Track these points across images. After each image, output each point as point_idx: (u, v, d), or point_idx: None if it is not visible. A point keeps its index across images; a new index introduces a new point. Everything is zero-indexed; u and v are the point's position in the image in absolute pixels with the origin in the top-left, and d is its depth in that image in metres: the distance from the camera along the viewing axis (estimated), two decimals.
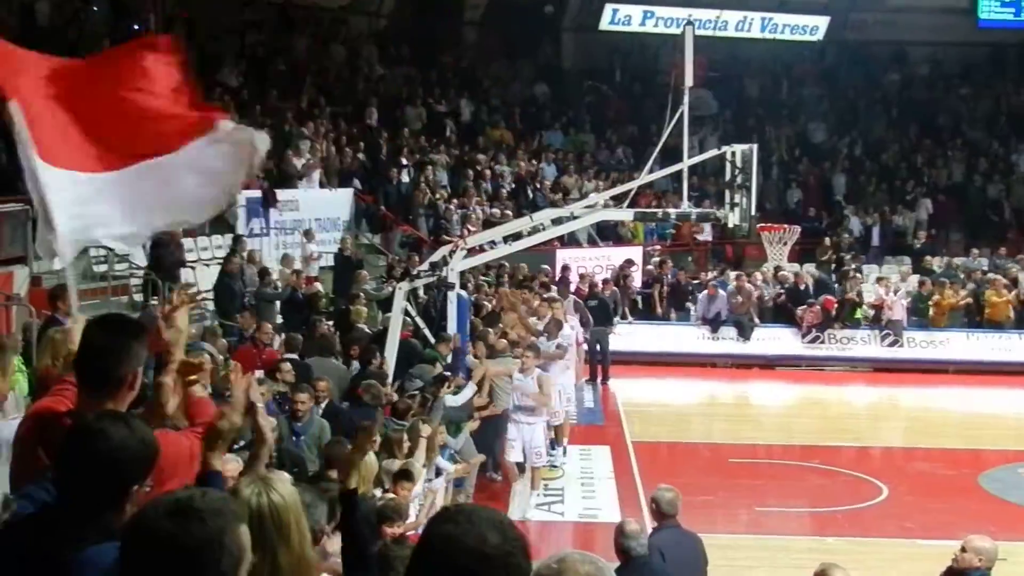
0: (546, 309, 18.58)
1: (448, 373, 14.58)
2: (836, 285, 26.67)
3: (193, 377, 4.68)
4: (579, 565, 3.01)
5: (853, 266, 28.40)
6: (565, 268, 26.01)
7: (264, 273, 20.61)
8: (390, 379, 14.36)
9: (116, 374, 4.33)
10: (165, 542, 2.66)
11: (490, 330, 17.55)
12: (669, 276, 26.95)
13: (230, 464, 7.71)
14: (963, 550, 8.13)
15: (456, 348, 16.50)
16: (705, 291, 25.90)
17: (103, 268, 19.50)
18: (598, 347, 23.12)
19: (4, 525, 3.66)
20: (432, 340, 17.00)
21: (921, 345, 25.45)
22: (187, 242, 21.83)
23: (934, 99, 38.20)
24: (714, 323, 25.59)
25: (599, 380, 23.08)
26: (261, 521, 3.45)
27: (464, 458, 13.00)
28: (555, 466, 16.51)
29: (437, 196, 27.69)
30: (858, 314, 25.94)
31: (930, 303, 25.87)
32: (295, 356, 14.47)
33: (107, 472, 3.43)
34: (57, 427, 4.06)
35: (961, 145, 36.06)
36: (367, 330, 17.47)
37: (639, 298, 26.40)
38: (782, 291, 26.00)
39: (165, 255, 19.18)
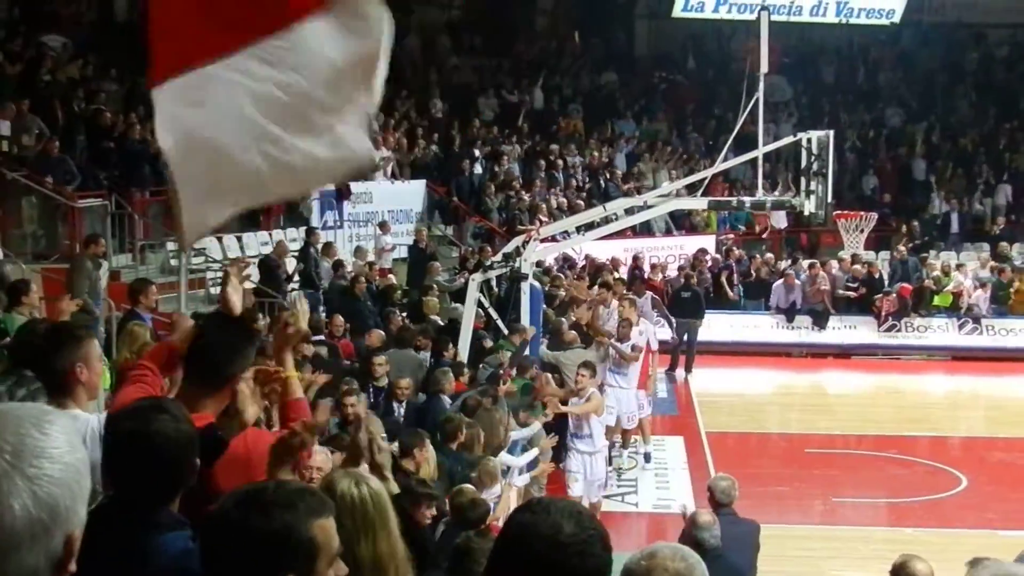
0: (628, 310, 17.00)
1: (501, 371, 14.57)
2: (915, 273, 26.29)
3: (271, 385, 4.68)
4: (668, 562, 3.02)
5: (931, 252, 28.07)
6: (636, 258, 25.91)
7: (339, 265, 20.77)
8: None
9: (225, 372, 4.38)
10: (231, 531, 2.71)
11: (563, 320, 17.57)
12: (736, 264, 26.71)
13: (318, 456, 7.84)
14: None
15: (526, 340, 16.49)
16: (782, 280, 25.65)
17: (177, 262, 19.76)
18: (686, 337, 22.95)
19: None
20: (505, 331, 17.03)
21: (1000, 333, 25.03)
22: (262, 235, 22.08)
23: (1014, 81, 37.47)
24: (790, 312, 25.36)
25: (681, 371, 22.95)
26: (364, 509, 3.55)
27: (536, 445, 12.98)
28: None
29: (511, 189, 27.69)
30: (937, 300, 25.57)
31: (1010, 290, 25.44)
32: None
33: (148, 467, 3.44)
34: None
35: None
36: (440, 322, 17.56)
37: (708, 288, 26.21)
38: (856, 285, 25.63)
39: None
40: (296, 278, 20.30)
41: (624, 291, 19.44)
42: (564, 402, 13.47)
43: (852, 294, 25.60)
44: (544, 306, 18.74)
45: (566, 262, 24.05)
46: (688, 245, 27.53)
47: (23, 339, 5.71)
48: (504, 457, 11.36)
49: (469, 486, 8.99)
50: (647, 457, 16.61)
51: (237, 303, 4.80)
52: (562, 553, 2.58)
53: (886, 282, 25.93)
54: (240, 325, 4.68)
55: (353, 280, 19.31)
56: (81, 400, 4.96)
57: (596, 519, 2.77)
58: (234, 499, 2.80)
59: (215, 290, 19.59)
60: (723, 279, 26.05)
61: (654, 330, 17.93)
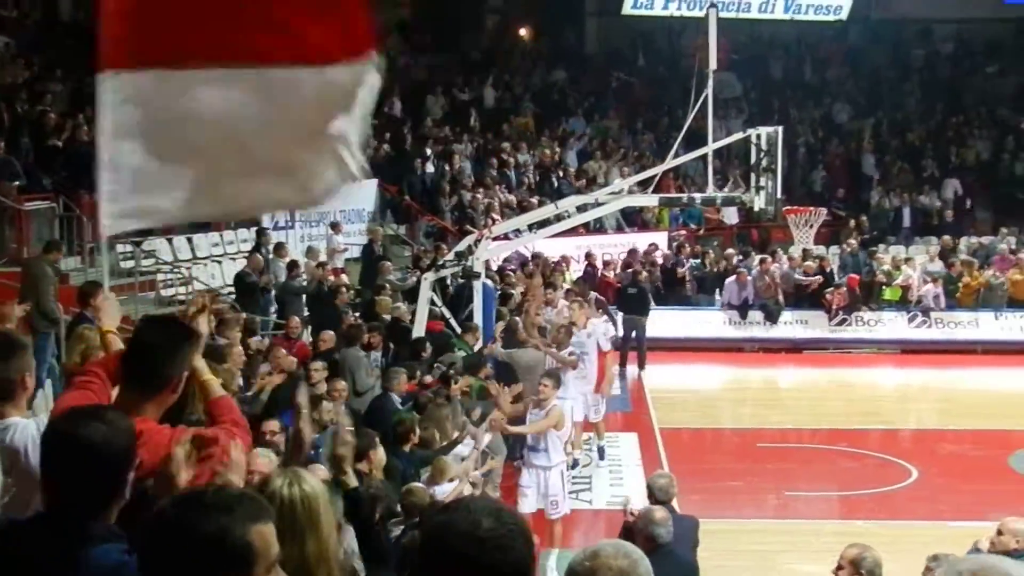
0: (578, 312, 16.60)
1: (451, 371, 14.56)
2: (864, 267, 26.52)
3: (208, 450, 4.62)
4: (612, 560, 3.02)
5: (880, 247, 28.35)
6: (588, 256, 25.96)
7: (293, 266, 20.66)
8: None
9: (163, 375, 4.34)
10: (167, 531, 2.69)
11: (518, 319, 17.55)
12: (688, 260, 26.85)
13: (260, 459, 7.80)
14: (1000, 533, 8.07)
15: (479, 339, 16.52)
16: (734, 277, 25.80)
17: (130, 264, 19.60)
18: (633, 335, 22.95)
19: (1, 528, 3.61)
20: (458, 330, 17.02)
21: (949, 325, 25.29)
22: (213, 236, 21.94)
23: (960, 77, 37.92)
24: (742, 309, 25.50)
25: (633, 367, 22.96)
26: (292, 510, 3.52)
27: (491, 451, 12.99)
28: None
29: (463, 188, 27.69)
30: (887, 294, 25.80)
31: (959, 283, 25.72)
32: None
33: (89, 472, 3.40)
34: None
35: (988, 123, 35.79)
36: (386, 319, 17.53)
37: (658, 285, 26.30)
38: (808, 281, 25.81)
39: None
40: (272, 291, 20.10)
41: (573, 293, 19.13)
42: (515, 421, 12.48)
43: (809, 280, 25.75)
44: (497, 304, 18.77)
45: (521, 263, 24.06)
46: (640, 242, 27.57)
47: None
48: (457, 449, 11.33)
49: (419, 484, 8.99)
50: (601, 452, 16.56)
51: (204, 330, 4.82)
52: (481, 549, 2.58)
53: (836, 276, 26.13)
54: (176, 326, 4.63)
55: (334, 290, 19.27)
56: (22, 407, 4.91)
57: (516, 514, 2.76)
58: (173, 501, 2.79)
59: (166, 292, 19.48)
60: (678, 274, 26.18)
61: (604, 330, 17.33)
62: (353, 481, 4.65)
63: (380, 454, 9.16)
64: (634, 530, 8.32)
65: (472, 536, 2.59)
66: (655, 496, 9.20)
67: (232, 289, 20.36)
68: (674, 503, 9.41)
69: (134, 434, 3.67)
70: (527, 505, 12.28)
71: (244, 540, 2.71)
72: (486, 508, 2.68)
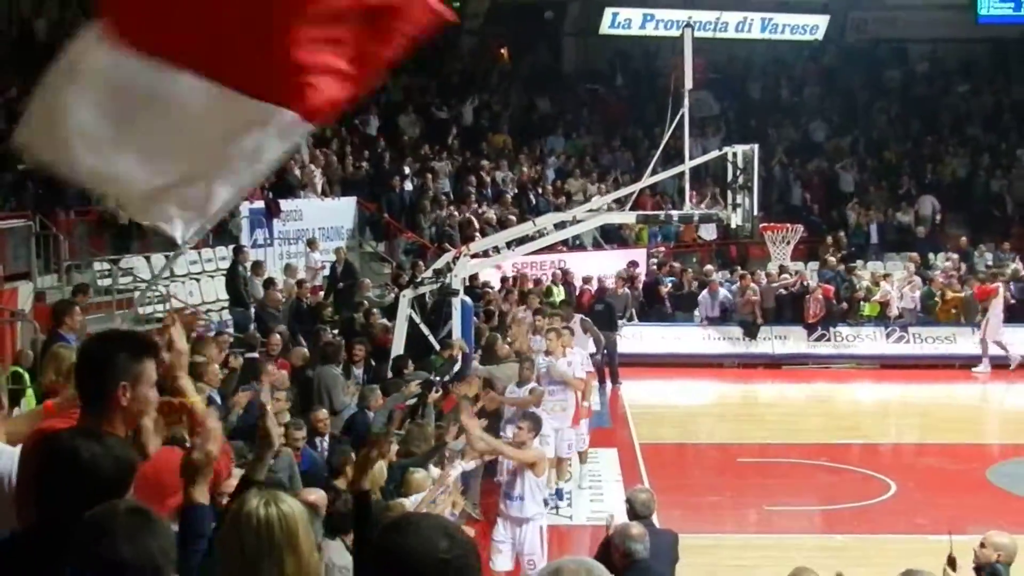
0: (555, 343, 15.67)
1: (437, 379, 14.55)
2: (843, 283, 26.61)
3: (175, 418, 4.58)
4: None
5: (859, 263, 28.50)
6: (566, 273, 25.99)
7: (269, 284, 20.61)
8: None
9: (100, 389, 4.23)
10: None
11: (497, 335, 17.55)
12: (667, 277, 26.96)
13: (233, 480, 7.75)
14: (982, 546, 8.11)
15: (464, 354, 16.47)
16: (706, 289, 25.92)
17: (107, 282, 19.54)
18: (605, 352, 22.97)
19: None
20: (437, 347, 17.01)
21: (927, 341, 25.40)
22: (190, 253, 21.89)
23: (935, 96, 38.21)
24: (719, 320, 25.61)
25: (608, 384, 22.97)
26: (270, 530, 3.47)
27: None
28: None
29: (441, 207, 27.72)
30: (866, 310, 25.91)
31: (937, 298, 25.85)
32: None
33: (79, 492, 3.36)
34: None
35: (963, 141, 36.05)
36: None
37: (643, 301, 26.37)
38: (788, 282, 25.97)
39: None
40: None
41: (549, 320, 18.08)
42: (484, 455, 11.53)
43: (789, 281, 25.82)
44: (476, 321, 18.77)
45: (504, 282, 24.15)
46: (618, 259, 27.65)
47: None
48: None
49: (399, 501, 8.98)
50: (559, 494, 15.45)
51: (184, 346, 4.78)
52: (443, 571, 2.56)
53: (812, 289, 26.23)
54: (113, 337, 4.58)
55: (314, 308, 19.23)
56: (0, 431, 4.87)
57: (463, 532, 2.75)
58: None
59: (143, 310, 19.41)
60: (660, 292, 26.29)
61: (582, 359, 16.69)
62: (367, 485, 4.64)
63: (377, 468, 9.17)
64: (611, 545, 8.32)
65: (432, 558, 2.58)
66: (636, 511, 9.19)
67: (211, 307, 20.34)
68: (653, 518, 9.40)
69: (130, 463, 3.67)
70: (502, 563, 11.06)
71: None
72: (437, 527, 2.68)
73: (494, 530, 11.33)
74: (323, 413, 12.40)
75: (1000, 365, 24.40)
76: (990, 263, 28.43)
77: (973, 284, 25.83)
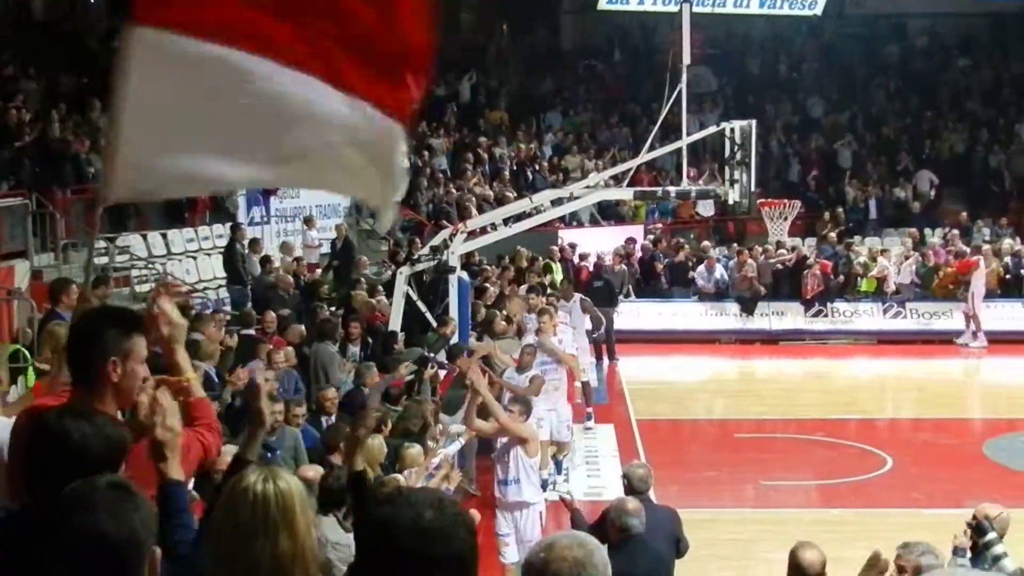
0: (548, 323, 15.33)
1: (431, 355, 14.56)
2: (841, 259, 26.59)
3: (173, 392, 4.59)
4: (567, 551, 3.00)
5: (856, 238, 28.47)
6: (567, 248, 25.95)
7: (266, 261, 20.61)
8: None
9: (91, 365, 4.21)
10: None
11: (496, 312, 17.55)
12: (664, 254, 26.93)
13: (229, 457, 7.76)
14: (974, 518, 8.11)
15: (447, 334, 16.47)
16: (703, 264, 25.91)
17: (104, 260, 19.52)
18: (602, 328, 22.89)
19: None
20: (434, 324, 17.02)
21: (924, 316, 25.41)
22: (187, 232, 21.89)
23: (934, 71, 38.12)
24: (717, 295, 25.62)
25: (605, 360, 22.96)
26: (266, 506, 3.46)
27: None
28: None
29: (439, 184, 27.68)
30: (863, 285, 25.91)
31: (937, 274, 25.83)
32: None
33: (69, 472, 3.30)
34: None
35: (962, 117, 35.99)
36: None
37: (639, 278, 26.33)
38: (786, 257, 25.97)
39: None
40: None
41: (543, 298, 18.13)
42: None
43: (786, 257, 25.83)
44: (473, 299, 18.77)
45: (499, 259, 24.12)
46: (616, 236, 27.60)
47: None
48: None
49: (393, 476, 9.01)
50: (558, 466, 15.52)
51: (180, 319, 4.71)
52: (425, 540, 2.58)
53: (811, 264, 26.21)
54: (101, 313, 4.56)
55: (311, 285, 19.17)
56: None
57: (458, 505, 2.75)
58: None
59: (140, 288, 19.41)
60: (656, 268, 26.27)
61: (572, 338, 16.53)
62: (360, 465, 4.63)
63: (376, 445, 9.19)
64: (606, 520, 8.33)
65: (415, 528, 2.58)
66: (633, 486, 9.17)
67: (207, 285, 20.34)
68: (650, 494, 9.41)
69: (120, 442, 3.66)
70: (511, 555, 10.80)
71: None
72: (427, 499, 2.68)
73: (496, 523, 10.94)
74: (332, 392, 12.36)
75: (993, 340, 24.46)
76: (988, 238, 28.38)
77: (930, 257, 25.94)
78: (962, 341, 24.55)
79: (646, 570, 7.79)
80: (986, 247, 26.48)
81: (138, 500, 2.74)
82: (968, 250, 26.28)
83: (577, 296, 19.34)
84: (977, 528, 7.78)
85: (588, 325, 19.44)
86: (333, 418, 11.93)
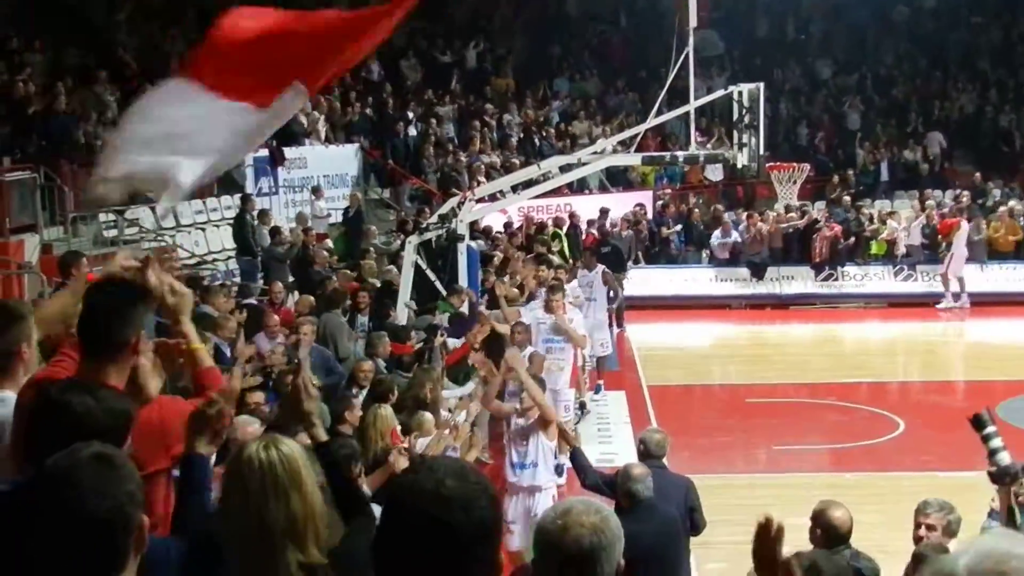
0: (557, 302, 14.77)
1: (438, 323, 14.53)
2: (850, 222, 26.52)
3: (173, 360, 4.60)
4: (584, 516, 3.03)
5: (867, 201, 28.39)
6: (573, 216, 25.87)
7: (276, 232, 20.63)
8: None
9: (118, 338, 4.25)
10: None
11: (504, 280, 17.51)
12: (674, 219, 26.85)
13: (251, 427, 7.78)
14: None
15: (471, 302, 16.46)
16: (719, 229, 25.86)
17: (113, 233, 19.53)
18: (611, 294, 22.77)
19: None
20: (444, 292, 17.01)
21: (935, 279, 25.33)
22: (196, 203, 21.87)
23: (943, 31, 37.83)
24: (729, 261, 25.59)
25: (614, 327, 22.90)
26: (273, 471, 3.53)
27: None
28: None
29: (446, 152, 27.61)
30: (873, 248, 25.84)
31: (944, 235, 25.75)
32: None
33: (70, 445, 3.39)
34: None
35: (971, 77, 35.76)
36: (377, 284, 17.49)
37: (648, 244, 26.27)
38: (791, 228, 25.90)
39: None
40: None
41: (550, 271, 17.39)
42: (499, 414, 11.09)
43: (797, 219, 25.75)
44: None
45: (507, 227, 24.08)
46: (625, 202, 27.54)
47: None
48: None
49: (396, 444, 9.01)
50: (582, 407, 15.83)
51: (183, 288, 4.73)
52: (446, 508, 2.57)
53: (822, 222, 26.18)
54: (125, 287, 4.57)
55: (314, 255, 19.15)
56: (19, 380, 4.84)
57: (481, 474, 2.75)
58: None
59: None
60: (663, 233, 26.22)
61: (581, 318, 15.69)
62: (322, 436, 4.61)
63: (386, 415, 9.18)
64: (615, 486, 8.34)
65: (436, 495, 2.58)
66: (650, 451, 9.17)
67: (216, 257, 20.35)
68: (664, 460, 9.40)
69: (125, 415, 3.67)
70: (516, 542, 10.18)
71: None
72: (451, 468, 2.68)
73: (506, 508, 10.25)
74: (368, 364, 12.08)
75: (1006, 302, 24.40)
76: (999, 198, 28.25)
77: (934, 218, 25.87)
78: (943, 305, 24.56)
79: (654, 534, 7.79)
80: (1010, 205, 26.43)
81: (124, 471, 2.71)
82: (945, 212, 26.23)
83: (600, 267, 18.98)
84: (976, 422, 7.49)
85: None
86: (363, 392, 11.70)
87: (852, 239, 25.88)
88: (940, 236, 25.20)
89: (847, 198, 27.87)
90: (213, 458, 4.17)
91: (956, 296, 24.61)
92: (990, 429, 7.40)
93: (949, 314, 24.35)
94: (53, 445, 3.27)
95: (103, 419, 3.55)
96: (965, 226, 24.92)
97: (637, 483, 8.07)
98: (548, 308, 14.86)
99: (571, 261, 21.77)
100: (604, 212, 26.15)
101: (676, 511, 8.52)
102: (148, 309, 4.40)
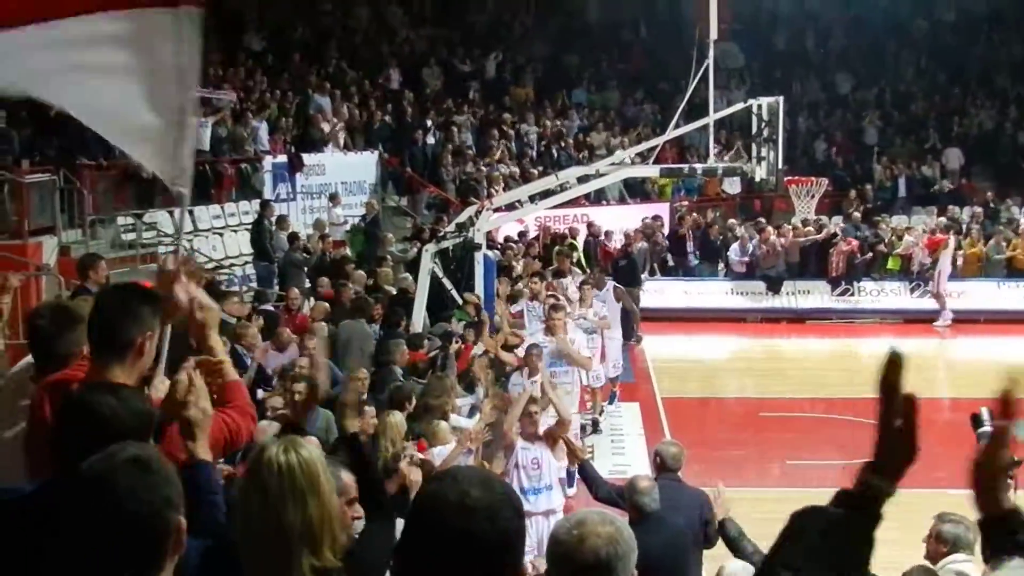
0: (558, 320, 14.26)
1: (452, 330, 14.55)
2: (869, 235, 26.46)
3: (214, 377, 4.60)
4: (599, 527, 3.05)
5: (883, 216, 28.31)
6: (591, 226, 25.89)
7: (294, 238, 20.69)
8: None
9: (123, 339, 4.25)
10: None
11: (525, 290, 17.49)
12: (691, 232, 26.83)
13: (271, 429, 7.81)
14: None
15: (478, 308, 16.48)
16: (737, 242, 25.83)
17: (131, 236, 19.61)
18: (638, 313, 22.61)
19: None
20: (460, 301, 17.03)
21: (951, 296, 25.25)
22: (214, 208, 21.95)
23: (962, 47, 37.75)
24: (744, 275, 25.56)
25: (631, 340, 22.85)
26: (292, 474, 3.54)
27: None
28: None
29: (464, 161, 27.65)
30: (889, 264, 25.78)
31: (958, 253, 25.69)
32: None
33: (98, 447, 3.41)
34: None
35: (991, 93, 35.67)
36: (393, 292, 17.53)
37: (668, 256, 26.24)
38: (808, 242, 25.83)
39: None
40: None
41: (546, 287, 17.32)
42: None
43: (813, 238, 25.71)
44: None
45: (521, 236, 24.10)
46: (642, 213, 27.53)
47: (30, 322, 5.43)
48: (454, 419, 11.15)
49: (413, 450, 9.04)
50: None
51: (183, 300, 4.66)
52: (470, 519, 2.55)
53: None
54: (132, 290, 4.59)
55: (337, 262, 19.19)
56: None
57: (506, 484, 2.75)
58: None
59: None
60: (679, 234, 26.21)
61: (585, 339, 15.28)
62: (354, 427, 4.62)
63: (397, 422, 9.20)
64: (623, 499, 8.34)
65: (460, 506, 2.57)
66: (666, 464, 9.15)
67: (234, 262, 20.41)
68: (680, 473, 9.38)
69: (149, 414, 3.70)
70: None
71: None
72: (475, 478, 2.67)
73: None
74: (363, 372, 12.09)
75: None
76: (1016, 216, 28.17)
77: (923, 237, 25.87)
78: (940, 323, 24.60)
79: (662, 547, 7.78)
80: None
81: (161, 474, 2.73)
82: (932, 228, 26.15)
83: (610, 284, 18.86)
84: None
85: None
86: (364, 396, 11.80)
87: (869, 254, 25.81)
88: (928, 253, 25.18)
89: (857, 214, 27.84)
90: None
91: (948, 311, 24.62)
92: (984, 430, 7.43)
93: (950, 331, 24.31)
94: (79, 446, 3.30)
95: (128, 420, 3.57)
96: (952, 244, 24.89)
97: (644, 496, 8.08)
98: (548, 330, 14.26)
99: (587, 271, 21.80)
100: (608, 235, 26.09)
101: (685, 523, 8.51)
102: (156, 311, 4.39)
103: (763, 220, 27.69)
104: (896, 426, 2.47)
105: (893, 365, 2.48)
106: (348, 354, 13.74)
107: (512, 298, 16.93)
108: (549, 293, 16.91)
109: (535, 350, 13.01)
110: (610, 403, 17.77)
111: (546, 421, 10.77)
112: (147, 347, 4.31)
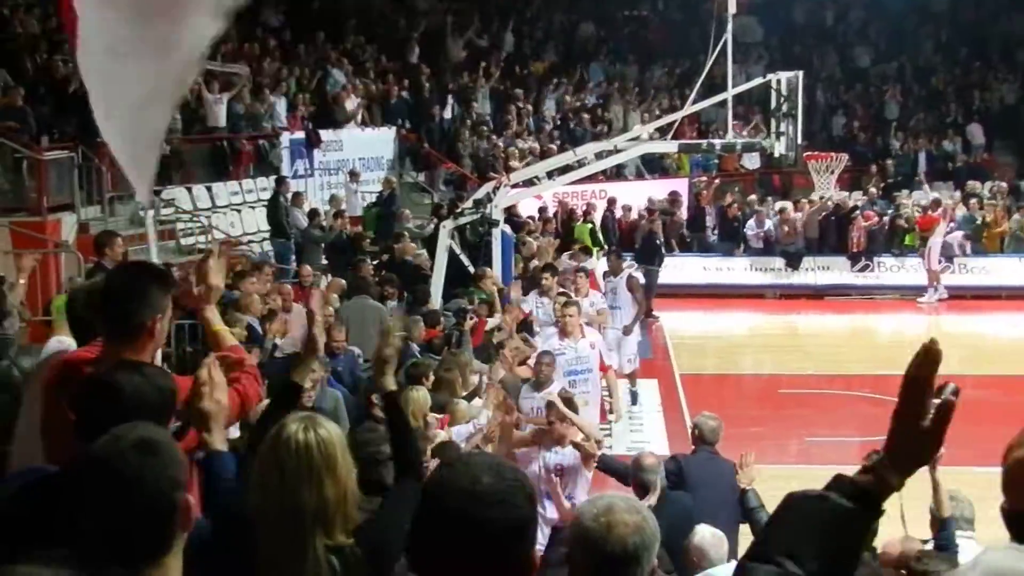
0: (573, 323, 13.32)
1: (469, 307, 14.52)
2: (887, 213, 26.35)
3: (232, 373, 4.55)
4: (626, 515, 3.05)
5: (903, 192, 28.18)
6: (611, 201, 25.83)
7: (313, 215, 20.69)
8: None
9: (135, 320, 4.25)
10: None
11: (546, 274, 17.34)
12: (710, 207, 26.73)
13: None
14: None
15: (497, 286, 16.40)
16: (754, 218, 25.73)
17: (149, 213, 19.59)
18: (652, 298, 22.40)
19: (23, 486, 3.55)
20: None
21: (973, 271, 25.13)
22: (232, 185, 21.96)
23: (984, 21, 37.42)
24: (763, 250, 25.47)
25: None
26: (309, 454, 3.55)
27: None
28: None
29: (482, 136, 27.57)
30: (909, 240, 25.65)
31: (983, 227, 25.55)
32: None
33: (120, 421, 3.40)
34: (78, 377, 4.04)
35: (1012, 67, 35.37)
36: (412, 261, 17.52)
37: (683, 233, 26.14)
38: (827, 215, 25.71)
39: None
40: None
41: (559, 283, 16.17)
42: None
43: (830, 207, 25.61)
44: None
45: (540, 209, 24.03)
46: (660, 189, 27.45)
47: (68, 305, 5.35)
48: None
49: (439, 432, 9.02)
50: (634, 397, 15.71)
51: (218, 282, 4.79)
52: (481, 505, 2.53)
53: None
54: (144, 270, 4.60)
55: (354, 239, 19.19)
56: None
57: (518, 471, 2.72)
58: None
59: (185, 241, 19.51)
60: (701, 216, 26.15)
61: (600, 339, 14.24)
62: (391, 385, 4.60)
63: (420, 398, 9.14)
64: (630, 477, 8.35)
65: (471, 492, 2.55)
66: (704, 437, 9.19)
67: (251, 238, 20.41)
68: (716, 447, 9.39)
69: (171, 392, 3.72)
70: None
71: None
72: (486, 464, 2.65)
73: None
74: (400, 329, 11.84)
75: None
76: None
77: (916, 213, 25.84)
78: (924, 300, 24.69)
79: (667, 524, 7.76)
80: (948, 202, 26.15)
81: (166, 456, 2.72)
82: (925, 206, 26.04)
83: (626, 272, 17.79)
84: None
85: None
86: None
87: (888, 226, 25.68)
88: (920, 231, 25.06)
89: (873, 189, 27.73)
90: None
91: (933, 290, 24.59)
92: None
93: (936, 308, 24.35)
94: (104, 425, 3.30)
95: (152, 396, 3.60)
96: (943, 222, 24.78)
97: (649, 473, 8.10)
98: (563, 332, 13.35)
99: (607, 246, 21.77)
100: (612, 201, 26.08)
101: (717, 495, 8.49)
102: (166, 292, 4.39)
103: (783, 201, 27.57)
104: (923, 426, 2.39)
105: (928, 360, 2.41)
106: (363, 331, 13.72)
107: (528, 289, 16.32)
108: (564, 279, 16.25)
109: (546, 358, 11.81)
110: (633, 403, 16.83)
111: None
112: (158, 328, 4.31)
